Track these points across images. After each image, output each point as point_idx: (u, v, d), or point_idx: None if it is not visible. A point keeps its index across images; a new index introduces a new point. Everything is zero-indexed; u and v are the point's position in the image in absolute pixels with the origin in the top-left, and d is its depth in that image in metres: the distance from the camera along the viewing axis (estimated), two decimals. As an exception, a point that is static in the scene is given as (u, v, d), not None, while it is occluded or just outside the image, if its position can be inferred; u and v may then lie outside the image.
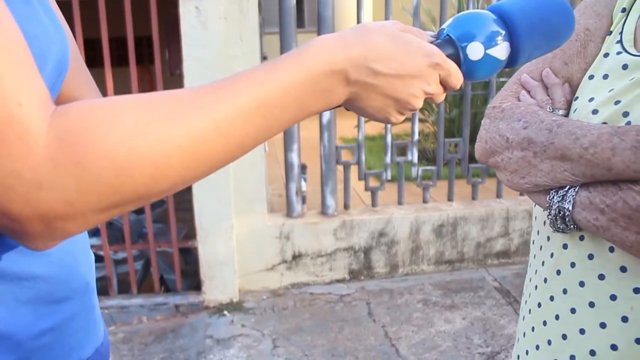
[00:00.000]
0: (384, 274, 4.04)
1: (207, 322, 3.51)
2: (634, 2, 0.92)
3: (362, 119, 4.00)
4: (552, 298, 0.92)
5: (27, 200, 0.48)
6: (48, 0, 0.70)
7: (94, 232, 3.89)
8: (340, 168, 4.00)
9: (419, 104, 0.67)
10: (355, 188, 4.59)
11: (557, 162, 0.82)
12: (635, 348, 0.81)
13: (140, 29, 3.78)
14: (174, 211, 3.63)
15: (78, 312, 0.80)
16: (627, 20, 0.91)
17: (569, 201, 0.83)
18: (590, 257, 0.85)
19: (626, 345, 0.81)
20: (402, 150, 4.20)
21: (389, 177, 4.09)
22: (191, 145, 0.53)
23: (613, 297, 0.82)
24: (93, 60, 4.02)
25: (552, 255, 0.92)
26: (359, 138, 3.97)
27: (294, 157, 3.83)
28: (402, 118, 0.69)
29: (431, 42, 0.68)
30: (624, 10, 0.93)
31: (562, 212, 0.84)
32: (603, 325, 0.83)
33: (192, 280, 3.93)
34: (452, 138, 4.33)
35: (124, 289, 3.85)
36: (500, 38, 0.68)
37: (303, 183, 3.99)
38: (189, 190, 3.49)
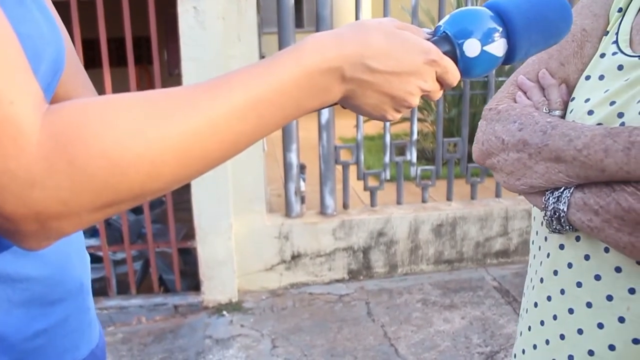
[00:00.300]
0: (383, 273, 4.04)
1: (206, 323, 3.51)
2: (630, 3, 0.92)
3: (361, 118, 4.00)
4: (549, 298, 0.92)
5: (20, 200, 0.48)
6: (44, 0, 0.70)
7: (93, 233, 3.89)
8: (339, 168, 4.00)
9: (416, 101, 0.66)
10: (354, 188, 4.59)
11: (552, 164, 0.83)
12: (633, 348, 0.81)
13: (138, 29, 3.78)
14: (173, 211, 3.63)
15: (72, 313, 0.79)
16: (623, 21, 0.91)
17: (564, 202, 0.83)
18: (587, 257, 0.85)
19: (624, 346, 0.82)
20: (401, 150, 4.20)
21: (388, 177, 4.09)
22: (186, 143, 0.52)
23: (609, 298, 0.83)
24: (92, 60, 4.03)
25: (549, 255, 0.93)
26: (358, 138, 3.97)
27: (293, 157, 3.83)
28: (399, 116, 0.68)
29: (428, 39, 0.67)
30: (620, 10, 0.93)
31: (557, 213, 0.84)
32: (600, 326, 0.84)
33: (191, 281, 3.93)
34: (451, 138, 4.33)
35: (123, 289, 3.85)
36: (497, 35, 0.68)
37: (302, 183, 3.99)
38: (187, 190, 3.49)
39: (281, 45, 3.66)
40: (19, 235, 0.51)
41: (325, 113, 3.80)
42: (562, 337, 0.90)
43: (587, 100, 0.88)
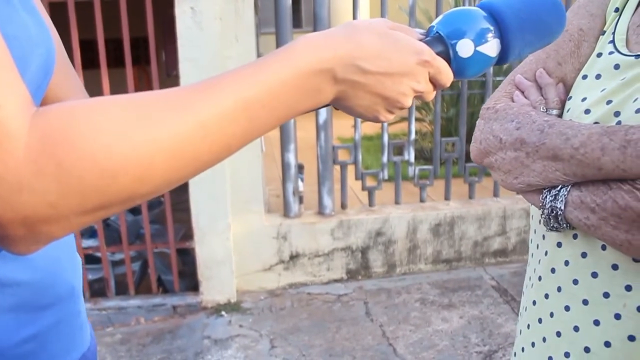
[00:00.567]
0: (382, 273, 4.04)
1: (205, 323, 3.52)
2: (626, 2, 0.93)
3: (359, 118, 3.99)
4: (547, 296, 0.93)
5: (8, 204, 0.47)
6: (32, 1, 0.69)
7: (91, 234, 3.89)
8: (337, 168, 4.01)
9: (408, 102, 0.66)
10: (352, 188, 4.60)
11: (549, 162, 0.83)
12: (629, 345, 0.81)
13: (136, 30, 3.78)
14: (171, 212, 3.63)
15: (63, 318, 0.78)
16: (619, 21, 0.92)
17: (561, 200, 0.84)
18: (584, 255, 0.86)
19: (620, 342, 0.82)
20: (399, 150, 4.20)
21: (386, 177, 4.10)
22: (176, 146, 0.52)
23: (606, 295, 0.83)
24: (89, 61, 4.04)
25: (546, 253, 0.93)
26: (356, 138, 3.98)
27: (291, 157, 3.84)
28: (392, 117, 0.68)
29: (421, 40, 0.66)
30: (617, 10, 0.94)
31: (554, 212, 0.85)
32: (597, 323, 0.84)
33: (190, 281, 3.93)
34: (449, 137, 4.34)
35: (121, 290, 3.85)
36: (490, 35, 0.67)
37: (300, 183, 3.99)
38: (186, 190, 3.50)
39: (279, 45, 3.66)
40: (8, 239, 0.50)
41: (322, 113, 3.80)
42: (558, 334, 0.90)
43: (584, 99, 0.89)
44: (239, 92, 0.55)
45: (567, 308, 0.88)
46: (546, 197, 0.86)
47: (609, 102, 0.84)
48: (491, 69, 4.14)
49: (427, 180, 4.15)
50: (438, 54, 0.66)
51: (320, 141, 3.87)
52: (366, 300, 3.71)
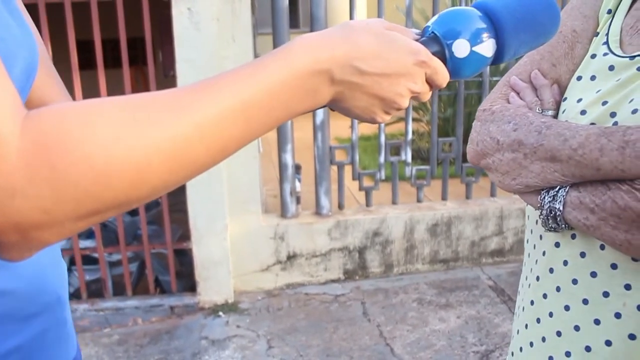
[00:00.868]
0: (379, 273, 4.05)
1: (202, 323, 3.52)
2: (619, 4, 0.94)
3: (356, 119, 4.00)
4: (545, 295, 0.93)
5: (0, 210, 0.45)
6: (15, 3, 0.68)
7: (89, 235, 3.89)
8: (334, 168, 4.01)
9: (405, 103, 0.65)
10: (350, 188, 4.60)
11: (547, 163, 0.84)
12: (629, 344, 0.82)
13: (134, 30, 3.78)
14: (169, 212, 3.63)
15: (49, 327, 0.76)
16: (612, 22, 0.93)
17: (560, 201, 0.84)
18: (582, 255, 0.86)
19: (620, 341, 0.83)
20: (396, 150, 4.20)
21: (383, 177, 4.10)
22: (172, 149, 0.50)
23: (605, 294, 0.84)
24: (87, 62, 4.03)
25: (544, 253, 0.93)
26: (353, 138, 3.98)
27: (288, 158, 3.84)
28: (388, 118, 0.67)
29: (416, 40, 0.66)
30: (609, 11, 0.94)
31: (553, 212, 0.85)
32: (597, 322, 0.85)
33: (187, 282, 3.93)
34: (446, 137, 4.34)
35: (118, 290, 3.85)
36: (485, 35, 0.67)
37: (297, 183, 3.99)
38: (183, 191, 3.49)
39: (276, 46, 3.66)
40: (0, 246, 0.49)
41: (320, 113, 3.80)
42: (558, 334, 0.90)
43: (579, 100, 0.89)
44: (236, 93, 0.54)
45: (567, 308, 0.89)
46: (544, 198, 0.86)
47: (604, 103, 0.85)
48: (488, 69, 4.15)
49: (424, 181, 4.15)
50: (434, 54, 0.65)
51: (318, 141, 3.87)
52: (363, 301, 3.71)
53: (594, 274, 0.85)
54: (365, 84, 0.61)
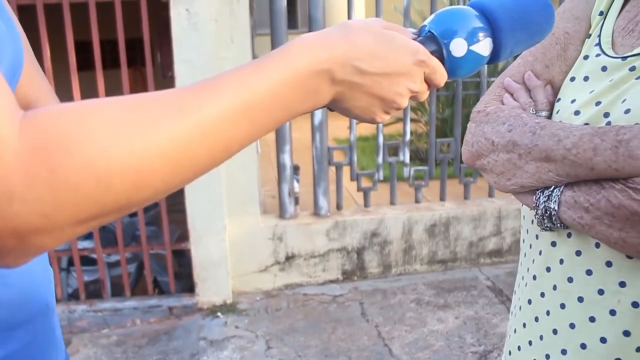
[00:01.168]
0: (377, 274, 4.05)
1: (201, 324, 3.52)
2: (610, 6, 0.95)
3: (356, 119, 4.00)
4: (542, 294, 0.94)
5: None
6: (1, 2, 0.67)
7: (87, 235, 3.88)
8: (332, 169, 4.01)
9: (405, 102, 0.65)
10: (348, 188, 4.60)
11: (542, 163, 0.84)
12: (624, 340, 0.83)
13: (132, 31, 3.78)
14: (167, 213, 3.63)
15: (36, 336, 0.74)
16: (604, 24, 0.94)
17: (555, 201, 0.85)
18: (578, 253, 0.87)
19: (615, 338, 0.83)
20: (394, 151, 4.21)
21: (381, 178, 4.10)
22: (175, 150, 0.49)
23: (600, 292, 0.84)
24: (85, 62, 4.03)
25: (540, 252, 0.94)
26: (351, 139, 3.98)
27: (286, 159, 3.84)
28: (388, 118, 0.67)
29: (414, 39, 0.66)
30: (601, 13, 0.95)
31: (548, 212, 0.86)
32: (592, 319, 0.86)
33: (186, 282, 3.93)
34: (444, 138, 4.35)
35: (117, 291, 3.85)
36: (482, 34, 0.67)
37: (295, 184, 4.00)
38: (181, 192, 3.49)
39: (274, 47, 3.66)
40: None
41: (318, 114, 3.81)
42: (554, 332, 0.91)
43: (573, 101, 0.90)
44: (237, 94, 0.53)
45: (562, 306, 0.90)
46: (539, 197, 0.87)
47: (598, 103, 0.86)
48: (485, 69, 4.15)
49: (422, 181, 4.16)
50: (431, 53, 0.65)
51: (316, 142, 3.87)
52: (362, 301, 3.72)
53: (589, 272, 0.86)
54: (365, 83, 0.61)
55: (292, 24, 11.49)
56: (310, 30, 3.69)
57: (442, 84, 0.68)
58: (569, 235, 0.88)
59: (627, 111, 0.81)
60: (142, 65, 4.23)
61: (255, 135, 0.57)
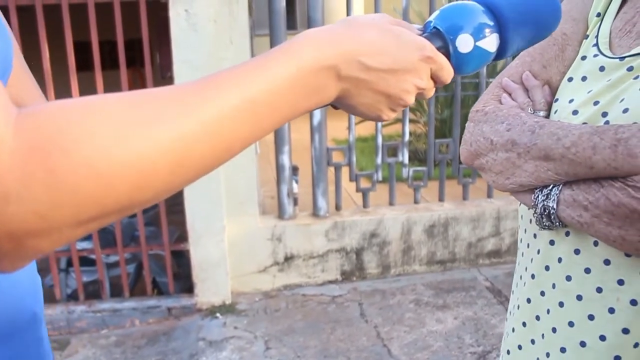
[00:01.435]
0: (376, 274, 4.05)
1: (200, 325, 3.52)
2: (607, 7, 0.96)
3: (353, 120, 4.02)
4: (542, 293, 0.94)
5: None
6: None
7: (86, 236, 3.87)
8: (331, 169, 4.01)
9: (411, 99, 0.63)
10: (347, 189, 4.60)
11: (541, 162, 0.85)
12: (623, 338, 0.83)
13: (131, 32, 3.78)
14: (166, 214, 3.63)
15: (22, 349, 0.71)
16: (602, 25, 0.95)
17: (553, 199, 0.85)
18: (577, 252, 0.87)
19: (614, 336, 0.84)
20: (393, 151, 4.21)
21: (380, 178, 4.11)
22: (178, 149, 0.47)
23: (599, 290, 0.85)
24: (84, 63, 4.03)
25: (539, 251, 0.95)
26: (350, 139, 3.99)
27: (285, 159, 3.84)
28: (394, 115, 0.66)
29: (419, 35, 0.64)
30: (598, 15, 0.96)
31: (547, 210, 0.86)
32: (591, 317, 0.86)
33: (185, 283, 3.93)
34: (443, 139, 4.35)
35: (116, 292, 3.85)
36: (489, 30, 0.66)
37: (294, 185, 4.00)
38: (180, 193, 3.49)
39: (273, 47, 3.66)
40: None
41: (317, 115, 3.81)
42: (554, 330, 0.91)
43: (571, 101, 0.91)
44: (242, 90, 0.52)
45: (561, 304, 0.90)
46: (538, 196, 0.87)
47: (596, 102, 0.87)
48: (484, 70, 4.16)
49: (421, 182, 4.16)
50: (438, 49, 0.64)
51: (315, 143, 3.88)
52: (361, 302, 3.72)
53: (587, 270, 0.86)
54: (371, 80, 0.60)
55: (291, 24, 11.49)
56: (309, 31, 3.69)
57: (449, 81, 0.66)
58: (567, 233, 0.89)
59: (625, 110, 0.82)
60: (141, 65, 4.23)
61: (259, 132, 0.55)
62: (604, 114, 0.84)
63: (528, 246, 0.99)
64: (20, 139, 0.42)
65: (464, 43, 0.65)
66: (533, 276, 0.96)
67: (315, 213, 4.00)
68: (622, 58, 0.88)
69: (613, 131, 0.78)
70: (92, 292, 3.84)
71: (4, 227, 0.42)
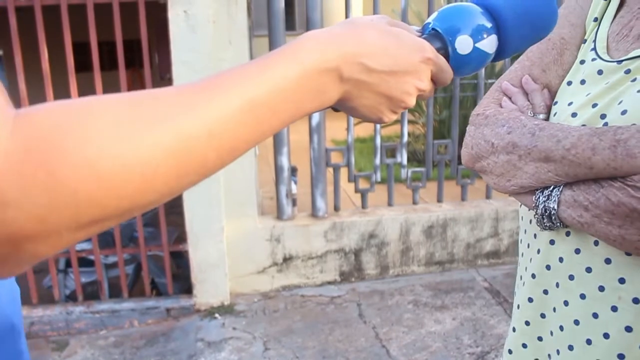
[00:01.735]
0: (375, 275, 4.06)
1: (199, 326, 3.52)
2: (604, 12, 0.98)
3: (352, 121, 4.02)
4: (545, 292, 0.96)
5: None
6: None
7: (85, 236, 3.87)
8: (330, 170, 4.02)
9: (412, 101, 0.63)
10: (346, 190, 4.61)
11: (541, 164, 0.86)
12: (627, 335, 0.84)
13: (130, 32, 3.78)
14: (165, 215, 3.64)
15: None
16: (599, 29, 0.97)
17: (554, 200, 0.87)
18: (577, 251, 0.89)
19: (618, 333, 0.85)
20: (392, 152, 4.22)
21: (379, 179, 4.11)
22: (181, 151, 0.46)
23: (601, 288, 0.86)
24: (83, 64, 4.04)
25: (539, 251, 0.96)
26: (349, 140, 3.99)
27: (284, 160, 3.85)
28: (395, 117, 0.65)
29: (419, 37, 0.64)
30: (595, 19, 0.99)
31: (548, 211, 0.88)
32: (595, 316, 0.87)
33: (184, 284, 3.93)
34: (442, 139, 4.36)
35: (115, 293, 3.85)
36: (488, 31, 0.66)
37: (293, 185, 4.00)
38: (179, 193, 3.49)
39: (272, 48, 3.66)
40: None
41: (316, 116, 3.81)
42: (561, 328, 0.93)
43: (570, 104, 0.93)
44: (245, 92, 0.51)
45: (566, 303, 0.91)
46: (539, 197, 0.89)
47: (594, 105, 0.88)
48: (483, 71, 4.17)
49: (419, 183, 4.16)
50: (437, 50, 0.64)
51: (314, 144, 3.88)
52: (359, 302, 3.72)
53: (588, 270, 0.87)
54: (373, 82, 0.59)
55: (290, 25, 11.50)
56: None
57: (448, 82, 0.66)
58: (567, 233, 0.90)
59: (624, 112, 0.83)
60: (140, 66, 4.23)
61: (262, 135, 0.54)
62: (603, 116, 0.86)
63: (528, 246, 1.01)
64: (17, 140, 0.40)
65: (463, 44, 0.65)
66: (533, 276, 0.97)
67: (313, 214, 4.00)
68: (619, 61, 0.90)
69: (612, 132, 0.80)
70: (91, 293, 3.85)
71: (2, 232, 0.40)
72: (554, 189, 0.87)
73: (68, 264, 3.76)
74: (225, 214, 3.63)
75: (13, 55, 3.34)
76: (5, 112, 0.41)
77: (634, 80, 0.85)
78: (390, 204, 4.18)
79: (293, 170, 4.03)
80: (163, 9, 3.33)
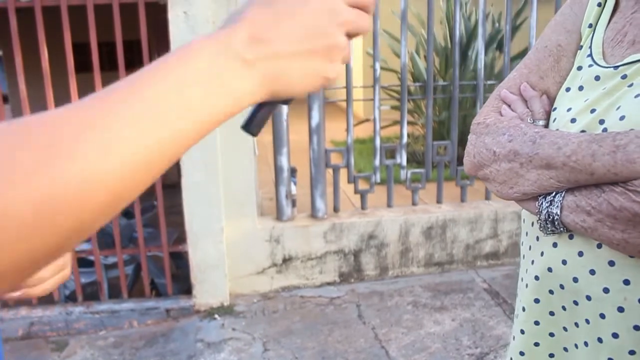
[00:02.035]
0: (374, 276, 4.06)
1: (198, 326, 3.52)
2: (599, 18, 1.00)
3: (352, 121, 4.02)
4: (551, 292, 0.96)
5: None
6: None
7: (84, 237, 3.88)
8: (329, 171, 4.02)
9: (342, 39, 0.54)
10: (345, 191, 4.61)
11: (543, 171, 0.88)
12: (634, 334, 0.86)
13: (130, 33, 3.79)
14: (164, 215, 3.64)
15: None
16: (594, 35, 0.99)
17: (557, 206, 0.88)
18: (580, 254, 0.90)
19: (626, 333, 0.87)
20: (391, 153, 4.22)
21: (378, 180, 4.12)
22: (85, 189, 0.41)
23: (606, 290, 0.87)
24: (83, 64, 4.04)
25: (542, 254, 0.97)
26: (348, 141, 4.00)
27: (284, 161, 3.85)
28: (340, 67, 0.56)
29: None
30: (590, 26, 1.00)
31: (551, 217, 0.89)
32: (602, 316, 0.89)
33: (183, 284, 3.93)
34: (441, 141, 4.37)
35: (114, 293, 3.85)
36: None
37: (293, 186, 4.01)
38: (179, 194, 3.50)
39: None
40: None
41: (315, 116, 3.82)
42: (576, 325, 0.94)
43: (569, 110, 0.95)
44: (142, 94, 0.45)
45: (575, 303, 0.93)
46: (542, 203, 0.90)
47: (593, 110, 0.90)
48: (482, 73, 4.17)
49: (419, 184, 4.17)
50: None
51: (313, 144, 3.88)
52: (359, 303, 3.73)
53: (592, 272, 0.89)
54: (282, 49, 0.51)
55: (289, 26, 11.49)
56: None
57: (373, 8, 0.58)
58: (570, 236, 0.91)
59: (622, 118, 0.85)
60: (140, 67, 4.22)
61: (175, 143, 0.46)
62: (601, 121, 0.88)
63: (530, 249, 1.02)
64: None
65: None
66: (537, 278, 0.98)
67: (313, 215, 4.01)
68: (616, 67, 0.91)
69: (611, 138, 0.81)
70: (91, 294, 3.85)
71: None
72: (556, 194, 0.88)
73: (67, 264, 3.76)
74: (225, 215, 3.63)
75: (13, 55, 3.35)
76: None
77: (631, 85, 0.87)
78: (389, 205, 4.19)
79: (293, 171, 4.03)
80: (163, 9, 3.34)
